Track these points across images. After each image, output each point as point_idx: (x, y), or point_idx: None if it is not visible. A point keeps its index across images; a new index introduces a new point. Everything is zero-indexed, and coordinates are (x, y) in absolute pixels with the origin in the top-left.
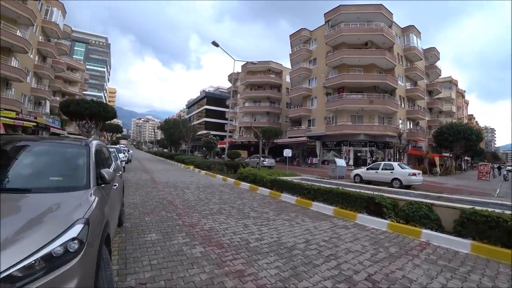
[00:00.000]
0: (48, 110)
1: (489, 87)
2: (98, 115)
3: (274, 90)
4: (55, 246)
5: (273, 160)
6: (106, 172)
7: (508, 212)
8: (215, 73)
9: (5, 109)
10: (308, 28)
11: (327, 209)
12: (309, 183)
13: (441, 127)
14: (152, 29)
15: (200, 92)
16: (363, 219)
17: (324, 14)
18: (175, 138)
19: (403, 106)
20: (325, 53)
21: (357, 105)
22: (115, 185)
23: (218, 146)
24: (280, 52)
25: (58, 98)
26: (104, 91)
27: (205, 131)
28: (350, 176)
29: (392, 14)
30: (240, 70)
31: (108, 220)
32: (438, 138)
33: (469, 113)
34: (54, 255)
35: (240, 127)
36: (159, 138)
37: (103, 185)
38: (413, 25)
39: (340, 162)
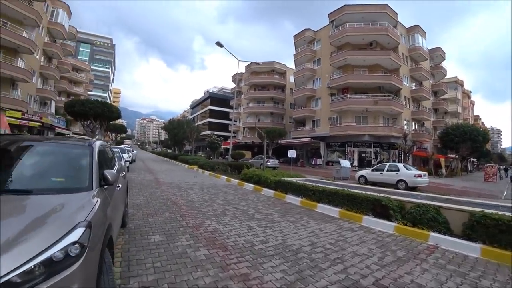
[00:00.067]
0: (53, 110)
1: (495, 88)
2: (102, 115)
3: (278, 90)
4: (56, 250)
5: (277, 161)
6: (109, 173)
7: None
8: (219, 73)
9: (11, 109)
10: (312, 29)
11: (333, 211)
12: (314, 184)
13: (446, 128)
14: (156, 31)
15: (204, 93)
16: (369, 221)
17: (329, 14)
18: (179, 138)
19: (408, 106)
20: (330, 54)
21: (361, 106)
22: (119, 186)
23: (222, 146)
24: (284, 52)
25: (63, 99)
26: (109, 92)
27: (209, 132)
28: (355, 177)
29: (397, 14)
30: (244, 71)
31: (111, 222)
32: (443, 139)
33: (475, 113)
34: (55, 260)
35: (244, 128)
36: (163, 139)
37: (106, 187)
38: (418, 25)
39: (345, 163)
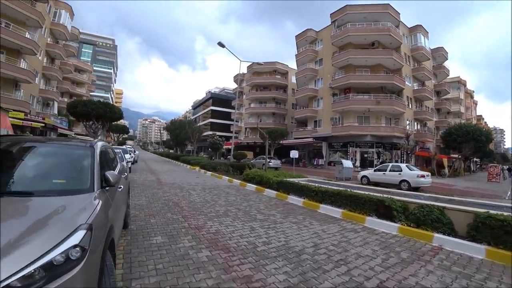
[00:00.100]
0: (56, 111)
1: (498, 87)
2: (104, 116)
3: (280, 91)
4: (56, 254)
5: (279, 161)
6: (110, 174)
7: None
8: (221, 74)
9: (14, 110)
10: (314, 29)
11: (335, 211)
12: (316, 185)
13: (449, 128)
14: (158, 31)
15: (206, 93)
16: (373, 222)
17: (330, 14)
18: (181, 139)
19: (410, 106)
20: (331, 54)
21: (363, 106)
22: (120, 187)
23: (224, 147)
24: (285, 53)
25: (66, 99)
26: (111, 92)
27: (210, 132)
28: (357, 177)
29: (399, 13)
30: (245, 71)
31: (113, 224)
32: (446, 139)
33: (478, 113)
34: (55, 264)
35: (245, 128)
36: (165, 139)
37: (107, 188)
38: (421, 25)
39: (347, 163)
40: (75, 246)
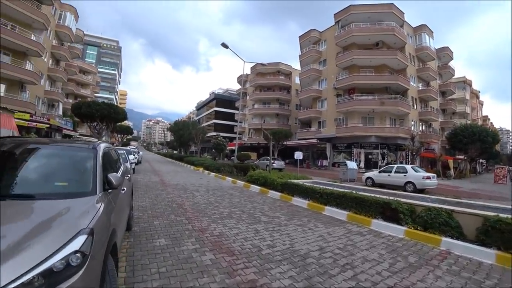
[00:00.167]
0: (61, 112)
1: (504, 88)
2: (108, 117)
3: (284, 91)
4: (56, 260)
5: (283, 162)
6: (113, 176)
7: None
8: (224, 75)
9: (20, 111)
10: (317, 29)
11: (340, 214)
12: (321, 187)
13: (455, 129)
14: (162, 33)
15: (210, 94)
16: (379, 225)
17: (334, 14)
18: (185, 139)
19: (415, 107)
20: (335, 54)
21: (368, 107)
22: (124, 189)
23: (228, 148)
24: (288, 54)
25: (70, 101)
26: (115, 94)
27: (214, 133)
28: (362, 179)
29: (404, 13)
30: (249, 72)
31: (115, 228)
32: (452, 140)
33: (484, 114)
34: (55, 270)
35: (249, 129)
36: (168, 140)
37: (110, 190)
38: (425, 24)
39: (351, 164)
40: (75, 252)
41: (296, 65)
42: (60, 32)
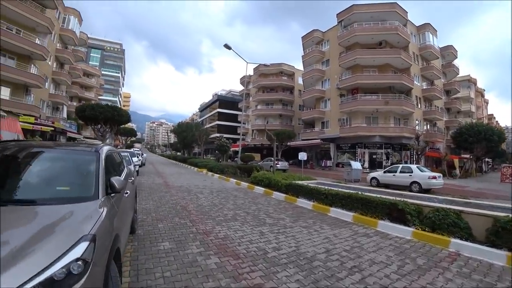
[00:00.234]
0: (65, 115)
1: (509, 85)
2: (112, 119)
3: (287, 92)
4: (57, 269)
5: (287, 163)
6: (116, 180)
7: None
8: (227, 76)
9: (25, 115)
10: (320, 29)
11: (346, 215)
12: (326, 187)
13: (460, 128)
14: (165, 35)
15: (213, 96)
16: (385, 226)
17: (337, 14)
18: (188, 141)
19: (419, 106)
20: (338, 54)
21: (372, 106)
22: (127, 193)
23: (231, 149)
24: (291, 54)
25: (75, 103)
26: (119, 96)
27: (217, 134)
28: (366, 179)
29: (407, 12)
30: (252, 73)
31: (118, 233)
32: (457, 139)
33: (489, 112)
34: (56, 279)
35: (252, 130)
36: (172, 142)
37: (113, 194)
38: (429, 23)
39: (356, 165)
40: (77, 259)
41: (299, 66)
42: (64, 36)
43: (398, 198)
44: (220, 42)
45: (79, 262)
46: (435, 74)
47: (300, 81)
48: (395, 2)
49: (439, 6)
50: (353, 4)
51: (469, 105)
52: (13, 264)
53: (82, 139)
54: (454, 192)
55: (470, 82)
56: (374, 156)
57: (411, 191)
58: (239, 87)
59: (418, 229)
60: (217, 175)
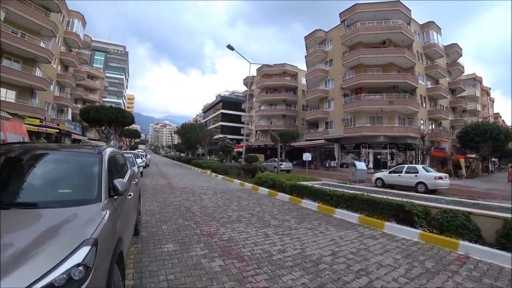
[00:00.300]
0: (70, 117)
1: None
2: (116, 121)
3: (290, 92)
4: (57, 274)
5: (290, 163)
6: (119, 182)
7: None
8: (230, 77)
9: (30, 117)
10: (323, 29)
11: (352, 216)
12: (331, 188)
13: (466, 127)
14: (168, 37)
15: (216, 97)
16: (392, 228)
17: (340, 13)
18: (192, 142)
19: (424, 105)
20: (342, 54)
21: (376, 106)
22: (130, 194)
23: (235, 150)
24: (294, 54)
25: (79, 105)
26: (123, 98)
27: (221, 135)
28: (371, 180)
29: (410, 10)
30: (255, 74)
31: (121, 236)
32: (463, 139)
33: (495, 111)
34: (56, 285)
35: (256, 131)
36: (176, 143)
37: (116, 197)
38: (433, 21)
39: (360, 165)
40: (78, 265)
41: (302, 66)
42: (68, 39)
43: (404, 199)
44: (222, 43)
45: (80, 268)
46: (439, 72)
47: (304, 81)
48: (398, 1)
49: (442, 5)
50: (356, 3)
51: (475, 104)
52: (13, 269)
53: (86, 140)
54: (461, 192)
55: (475, 80)
56: (379, 156)
57: (417, 191)
58: (242, 88)
59: (426, 231)
60: (221, 176)
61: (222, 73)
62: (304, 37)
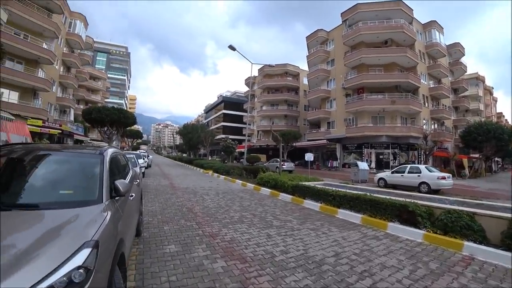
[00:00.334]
0: (72, 118)
1: None
2: (118, 121)
3: (292, 92)
4: (57, 278)
5: (292, 163)
6: (120, 183)
7: None
8: (232, 77)
9: (33, 118)
10: (324, 29)
11: (354, 217)
12: (334, 189)
13: (469, 127)
14: (169, 37)
15: (218, 97)
16: (395, 228)
17: (341, 13)
18: (194, 143)
19: (426, 105)
20: (343, 54)
21: (378, 106)
22: (132, 195)
23: (237, 150)
24: (295, 54)
25: (81, 106)
26: (125, 99)
27: (223, 136)
28: (374, 180)
29: (412, 10)
30: (257, 74)
31: (123, 237)
32: (465, 139)
33: (498, 110)
34: None
35: (258, 131)
36: (178, 143)
37: (117, 198)
38: (435, 21)
39: (363, 165)
40: (78, 267)
41: (304, 66)
42: (70, 40)
43: (407, 199)
44: (224, 44)
45: (81, 270)
46: (442, 72)
47: (305, 81)
48: (400, 0)
49: (444, 5)
50: (358, 3)
51: (478, 103)
52: (13, 271)
53: (89, 141)
54: (464, 193)
55: (478, 80)
56: (381, 156)
57: (419, 192)
58: (244, 88)
59: (430, 232)
60: (223, 176)
61: (223, 74)
62: (306, 37)
